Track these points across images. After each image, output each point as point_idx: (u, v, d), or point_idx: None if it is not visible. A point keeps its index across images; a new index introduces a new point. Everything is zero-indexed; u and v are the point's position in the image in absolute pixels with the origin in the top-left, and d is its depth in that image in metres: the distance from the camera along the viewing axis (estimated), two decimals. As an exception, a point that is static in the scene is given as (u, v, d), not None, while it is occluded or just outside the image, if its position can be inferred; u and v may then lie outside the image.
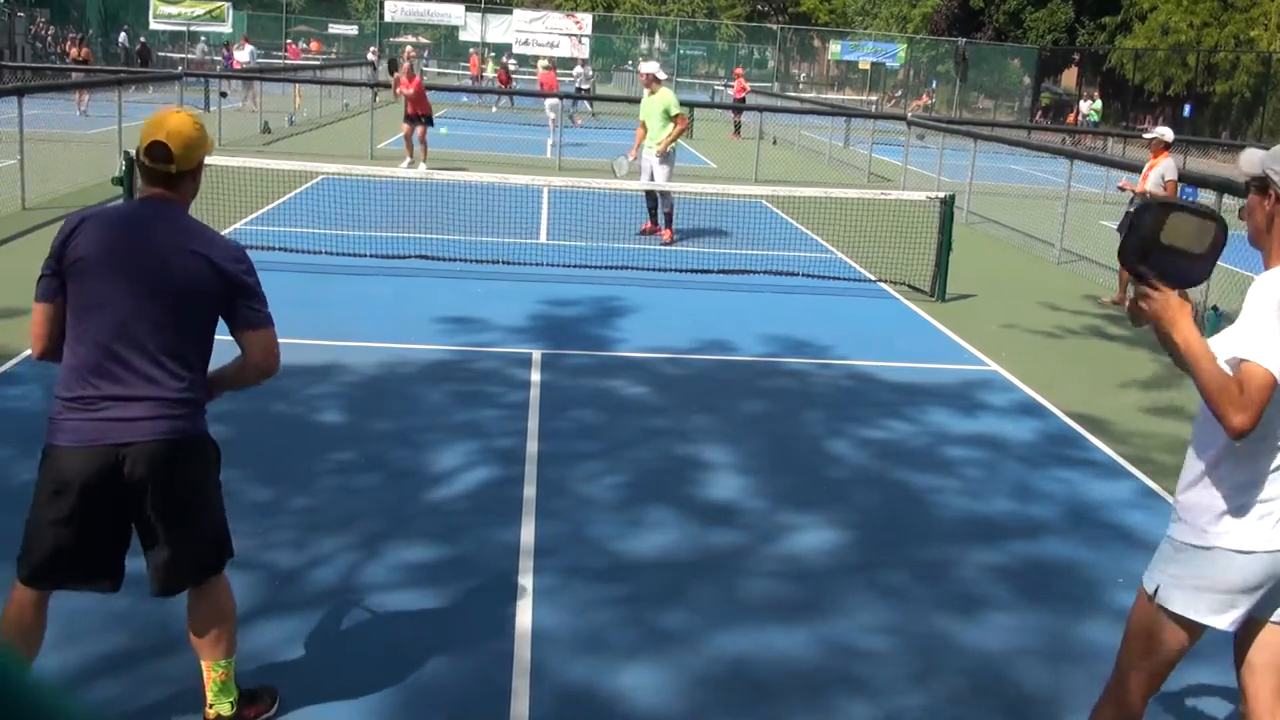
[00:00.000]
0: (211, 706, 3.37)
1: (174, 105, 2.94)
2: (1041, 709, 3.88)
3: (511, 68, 38.93)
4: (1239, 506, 2.71)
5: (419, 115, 17.22)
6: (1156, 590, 2.84)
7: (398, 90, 17.50)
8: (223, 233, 9.78)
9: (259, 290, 3.17)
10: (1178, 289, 2.76)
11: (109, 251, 3.00)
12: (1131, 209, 10.79)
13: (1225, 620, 2.78)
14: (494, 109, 32.02)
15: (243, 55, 30.70)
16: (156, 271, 3.00)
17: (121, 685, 3.63)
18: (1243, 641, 2.92)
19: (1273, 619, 2.83)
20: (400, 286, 9.51)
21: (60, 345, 3.08)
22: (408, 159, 16.99)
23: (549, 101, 23.77)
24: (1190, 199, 11.01)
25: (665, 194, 12.30)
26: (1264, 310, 2.63)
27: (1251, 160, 2.80)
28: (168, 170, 3.04)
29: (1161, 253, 2.78)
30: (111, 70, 26.86)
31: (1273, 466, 2.71)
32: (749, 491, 5.61)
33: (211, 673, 3.35)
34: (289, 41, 45.38)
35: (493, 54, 46.41)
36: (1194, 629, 2.81)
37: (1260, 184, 2.77)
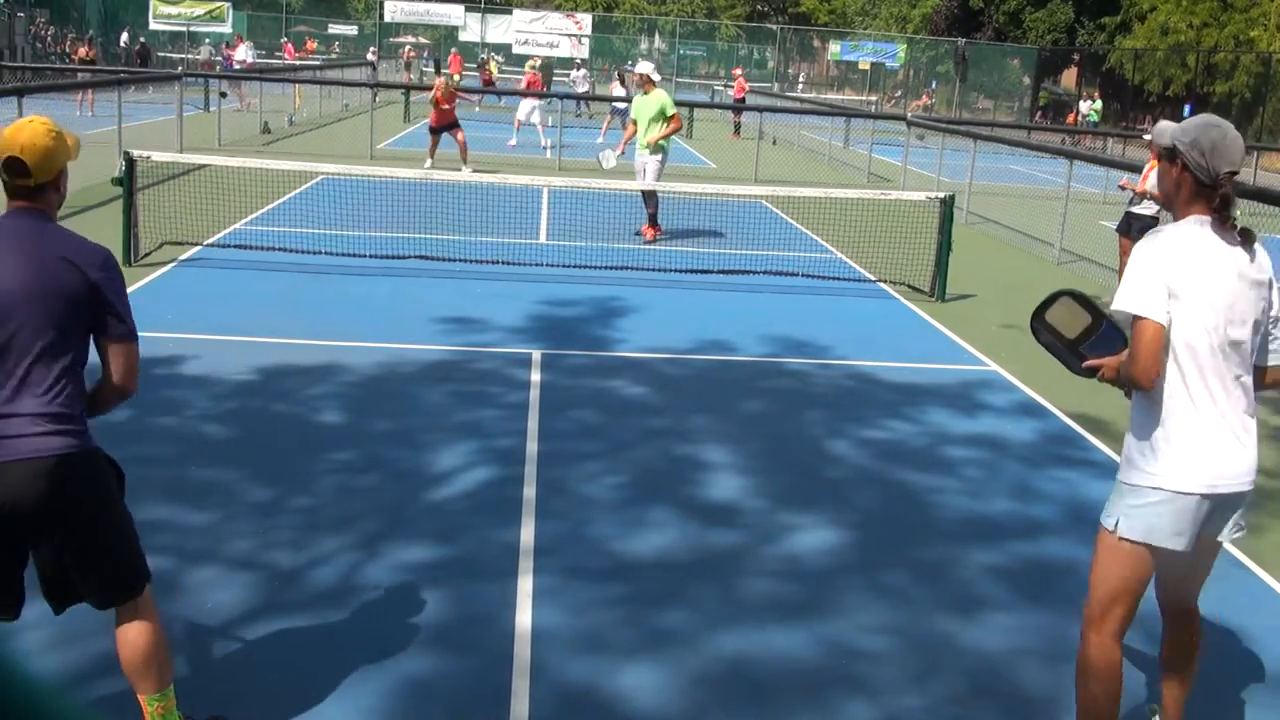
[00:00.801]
0: None
1: (31, 115, 2.90)
2: (1041, 709, 3.88)
3: (498, 68, 38.98)
4: (1168, 448, 3.06)
5: (445, 124, 17.17)
6: (1117, 524, 3.16)
7: (439, 102, 17.16)
8: (223, 233, 9.66)
9: (125, 301, 3.04)
10: (1114, 350, 3.21)
11: None
12: (1131, 209, 10.79)
13: (1181, 543, 3.11)
14: (477, 108, 31.82)
15: (240, 54, 30.74)
16: (29, 284, 2.87)
17: (121, 685, 3.63)
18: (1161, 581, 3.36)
19: (1220, 536, 3.21)
20: (400, 286, 9.51)
21: None
22: (429, 160, 16.87)
23: (528, 102, 23.91)
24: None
25: (652, 194, 12.31)
26: (1140, 263, 3.04)
27: (1163, 133, 3.15)
28: (27, 184, 2.97)
29: (1080, 343, 3.28)
30: (112, 70, 26.86)
31: (1190, 409, 3.04)
32: (749, 491, 5.61)
33: (146, 708, 3.14)
34: (285, 41, 45.17)
35: (494, 54, 46.37)
36: (1154, 554, 3.15)
37: (1170, 153, 3.12)
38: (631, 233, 12.59)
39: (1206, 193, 3.06)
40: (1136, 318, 3.01)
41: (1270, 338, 3.16)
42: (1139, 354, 2.99)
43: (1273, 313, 3.14)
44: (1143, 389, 3.05)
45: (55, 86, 21.02)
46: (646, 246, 12.07)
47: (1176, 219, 3.15)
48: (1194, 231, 3.07)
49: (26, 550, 2.98)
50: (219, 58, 32.92)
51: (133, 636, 3.11)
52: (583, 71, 34.80)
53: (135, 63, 33.69)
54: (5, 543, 2.91)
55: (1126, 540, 3.13)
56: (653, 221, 12.52)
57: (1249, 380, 3.11)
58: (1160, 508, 3.07)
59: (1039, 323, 3.34)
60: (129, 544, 3.12)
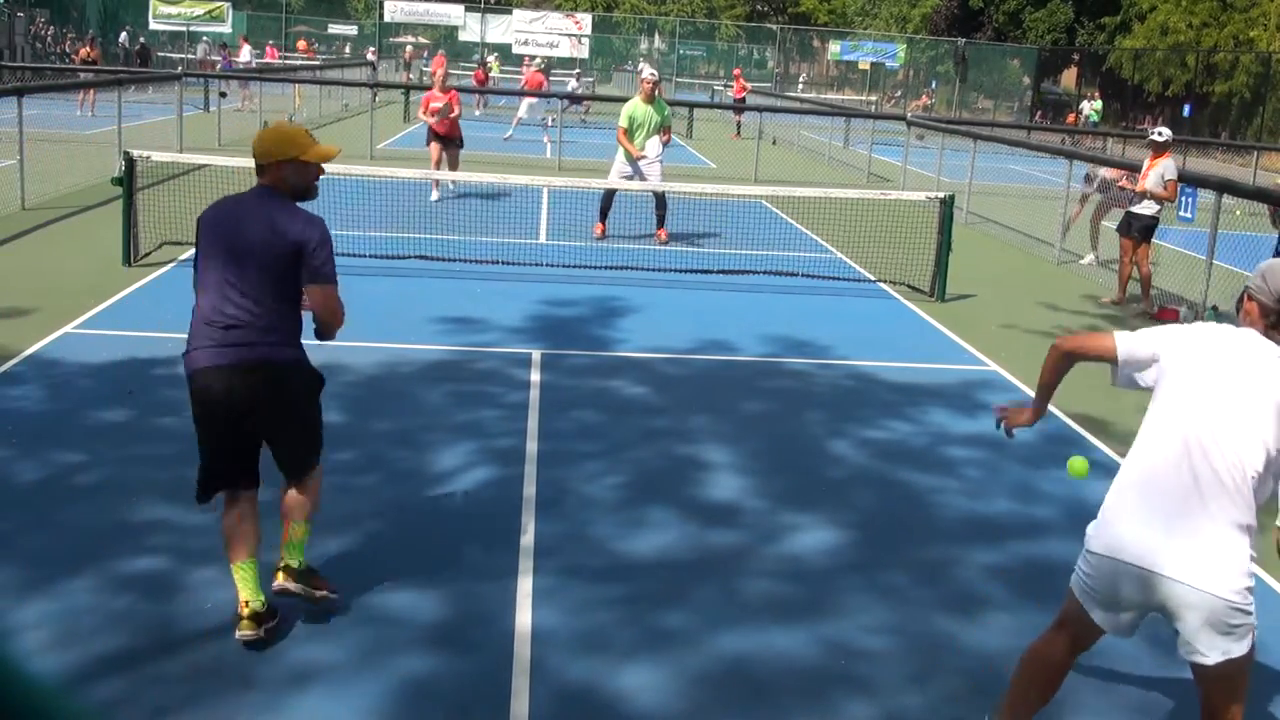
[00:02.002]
0: (282, 560, 4.02)
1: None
2: (1041, 709, 3.87)
3: (499, 67, 38.87)
4: (1106, 508, 3.17)
5: (453, 138, 14.30)
6: None
7: (428, 113, 14.27)
8: None
9: (322, 254, 3.94)
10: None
11: (218, 221, 3.99)
12: (1131, 208, 10.80)
13: (1095, 611, 3.17)
14: (478, 111, 31.47)
15: (245, 56, 30.80)
16: (243, 235, 3.90)
17: (121, 685, 3.64)
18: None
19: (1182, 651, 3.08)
20: (400, 286, 9.51)
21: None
22: (435, 193, 14.29)
23: (528, 101, 24.51)
24: (1190, 195, 11.02)
25: (662, 196, 12.31)
26: (1163, 331, 3.28)
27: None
28: (257, 163, 4.01)
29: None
30: (112, 70, 26.86)
31: (1140, 475, 3.09)
32: (749, 491, 5.61)
33: (294, 529, 4.06)
34: (269, 43, 44.09)
35: (495, 54, 46.32)
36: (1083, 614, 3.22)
37: (1244, 295, 3.25)
38: (632, 233, 12.58)
39: (1270, 314, 3.13)
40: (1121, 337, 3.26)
41: None
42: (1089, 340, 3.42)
43: None
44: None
45: (55, 86, 21.02)
46: (647, 247, 12.06)
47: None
48: (1236, 335, 3.15)
49: (256, 434, 4.00)
50: (216, 56, 32.89)
51: (294, 495, 4.09)
52: (575, 81, 34.43)
53: (135, 63, 33.68)
54: (237, 427, 3.93)
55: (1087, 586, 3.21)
56: (661, 222, 12.53)
57: (1233, 496, 2.95)
58: (1085, 562, 3.17)
59: None
60: (312, 434, 4.12)
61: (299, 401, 4.02)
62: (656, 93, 12.54)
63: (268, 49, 41.71)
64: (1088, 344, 3.37)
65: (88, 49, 30.19)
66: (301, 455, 4.07)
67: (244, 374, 3.85)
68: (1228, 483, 2.95)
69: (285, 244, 3.88)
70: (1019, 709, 3.41)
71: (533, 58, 39.21)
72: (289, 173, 3.98)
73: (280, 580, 3.97)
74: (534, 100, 24.72)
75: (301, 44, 49.42)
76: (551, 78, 36.38)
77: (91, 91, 23.54)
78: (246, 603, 3.87)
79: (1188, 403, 3.03)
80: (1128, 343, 3.23)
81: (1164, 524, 2.98)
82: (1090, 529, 3.15)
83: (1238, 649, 2.98)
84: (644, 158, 12.26)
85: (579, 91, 32.14)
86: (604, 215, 12.54)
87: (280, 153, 3.96)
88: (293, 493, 4.09)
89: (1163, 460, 3.03)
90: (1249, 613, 2.96)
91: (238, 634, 3.84)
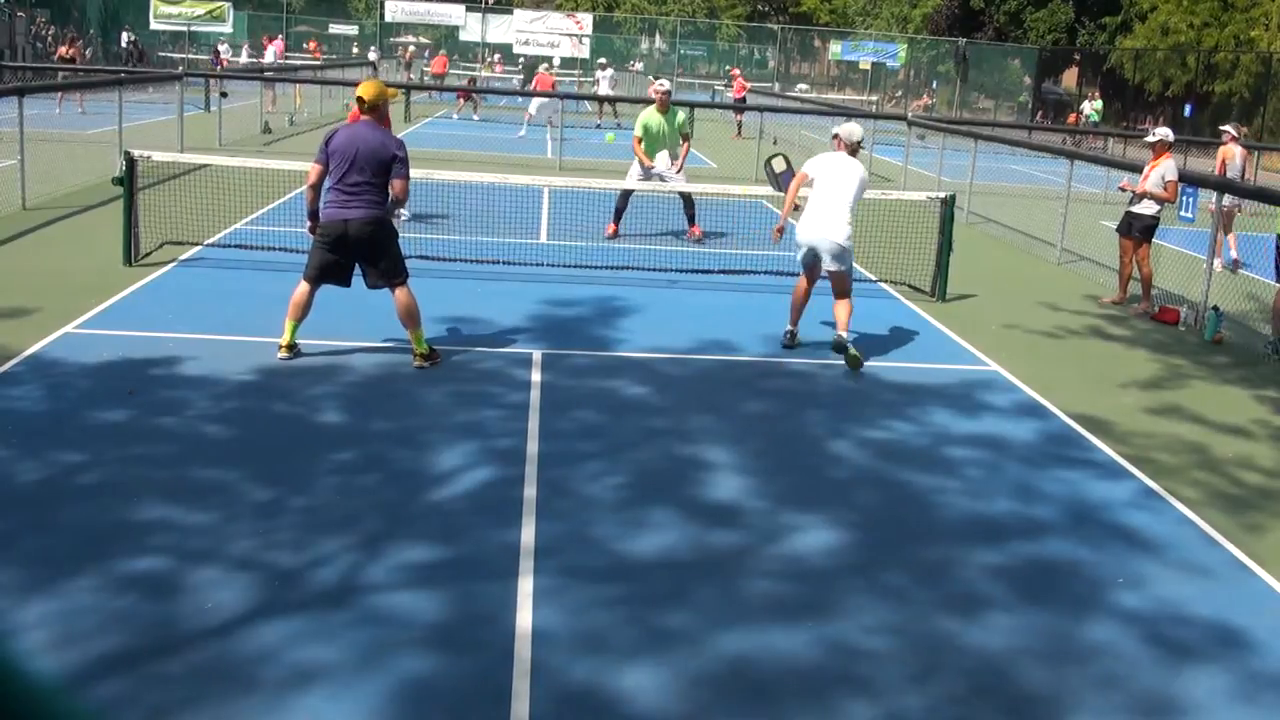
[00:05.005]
0: (415, 354, 7.15)
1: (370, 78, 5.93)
2: (1041, 709, 3.88)
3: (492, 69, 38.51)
4: (800, 222, 7.95)
5: None
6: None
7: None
8: (223, 233, 10.07)
9: (405, 161, 7.02)
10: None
11: (347, 141, 6.96)
12: (1132, 208, 10.80)
13: (806, 258, 8.11)
14: (455, 115, 30.79)
15: (269, 56, 30.82)
16: (368, 148, 6.89)
17: (121, 685, 3.63)
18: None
19: (824, 269, 7.96)
20: (400, 286, 9.49)
21: (321, 184, 7.07)
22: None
23: (538, 101, 24.15)
24: (1190, 195, 11.00)
25: (688, 195, 12.48)
26: (810, 163, 8.46)
27: (852, 132, 8.59)
28: (363, 107, 7.06)
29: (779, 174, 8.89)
30: (111, 70, 26.85)
31: (808, 209, 8.04)
32: (750, 492, 5.61)
33: (413, 340, 7.14)
34: (265, 37, 42.66)
35: (495, 54, 46.25)
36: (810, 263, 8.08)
37: (839, 138, 8.50)
38: (632, 233, 12.58)
39: (845, 145, 8.20)
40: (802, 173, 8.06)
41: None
42: (795, 187, 8.30)
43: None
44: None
45: (56, 86, 21.01)
46: (646, 247, 12.05)
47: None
48: (833, 153, 8.23)
49: (355, 261, 7.06)
50: (205, 56, 32.77)
51: (400, 297, 7.11)
52: (609, 72, 33.45)
53: (132, 62, 33.63)
54: (348, 257, 7.05)
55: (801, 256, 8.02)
56: (692, 221, 12.64)
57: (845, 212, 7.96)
58: (801, 246, 7.92)
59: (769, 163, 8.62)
60: (396, 262, 7.14)
61: (386, 239, 7.09)
62: (667, 102, 12.76)
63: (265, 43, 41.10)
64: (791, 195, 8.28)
65: (65, 47, 29.95)
66: (389, 271, 7.10)
67: (361, 223, 6.90)
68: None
69: (387, 155, 6.91)
70: (795, 316, 8.25)
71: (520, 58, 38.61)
72: (384, 111, 7.28)
73: (416, 362, 7.14)
74: (544, 100, 24.22)
75: (312, 44, 49.24)
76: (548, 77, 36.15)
77: (76, 92, 23.49)
78: (282, 344, 7.17)
79: (815, 181, 7.97)
80: (805, 169, 8.10)
81: (823, 223, 7.82)
82: (800, 229, 7.90)
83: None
84: (653, 168, 12.49)
85: (612, 90, 31.80)
86: (618, 216, 12.57)
87: (384, 98, 7.25)
88: (398, 298, 7.10)
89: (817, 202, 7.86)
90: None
91: (279, 355, 7.14)
